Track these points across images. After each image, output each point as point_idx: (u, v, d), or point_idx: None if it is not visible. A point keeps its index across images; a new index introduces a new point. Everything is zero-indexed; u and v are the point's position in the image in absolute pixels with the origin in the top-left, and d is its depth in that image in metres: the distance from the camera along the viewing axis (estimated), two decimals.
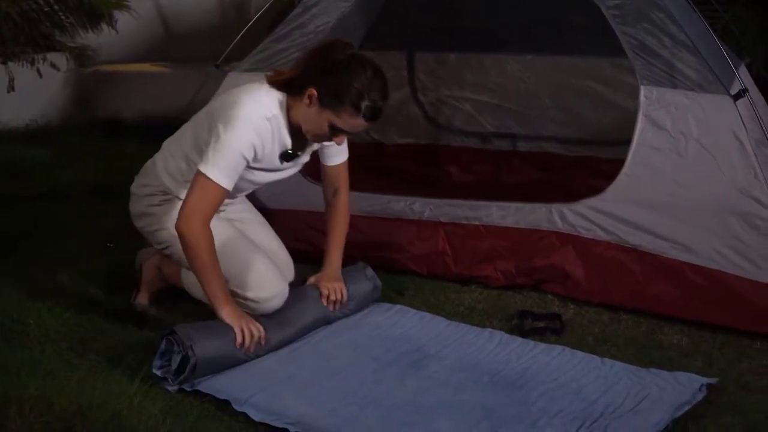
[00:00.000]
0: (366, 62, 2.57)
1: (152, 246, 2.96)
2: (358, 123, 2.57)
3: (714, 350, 2.74)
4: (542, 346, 2.70)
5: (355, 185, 3.38)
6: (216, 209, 2.58)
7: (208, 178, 2.53)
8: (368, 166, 4.26)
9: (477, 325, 2.88)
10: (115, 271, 3.28)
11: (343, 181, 2.94)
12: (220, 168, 2.54)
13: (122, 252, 3.47)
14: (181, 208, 2.56)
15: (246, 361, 2.52)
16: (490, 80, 4.51)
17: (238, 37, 3.72)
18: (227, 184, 2.56)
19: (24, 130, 5.58)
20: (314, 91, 2.55)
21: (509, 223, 3.18)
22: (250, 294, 2.68)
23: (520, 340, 2.74)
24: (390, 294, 3.17)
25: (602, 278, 3.04)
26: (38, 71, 5.67)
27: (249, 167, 2.65)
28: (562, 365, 2.57)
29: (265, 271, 2.73)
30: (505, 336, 2.77)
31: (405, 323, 2.88)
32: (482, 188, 4.16)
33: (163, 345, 2.39)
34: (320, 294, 2.83)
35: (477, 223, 3.22)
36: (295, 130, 2.67)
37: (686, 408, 2.33)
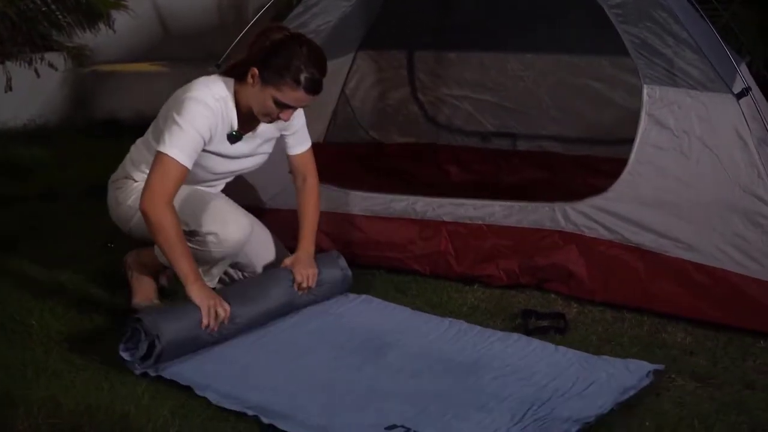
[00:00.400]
0: (303, 40, 2.72)
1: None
2: (299, 96, 2.67)
3: (718, 349, 2.74)
4: (499, 334, 2.77)
5: (355, 184, 3.40)
6: (177, 187, 2.64)
7: (167, 155, 2.61)
8: (368, 166, 4.28)
9: (481, 325, 2.89)
10: (115, 271, 3.28)
11: (310, 168, 3.04)
12: (177, 146, 2.61)
13: (122, 252, 3.47)
14: (144, 188, 2.63)
15: (211, 343, 2.57)
16: (490, 79, 4.50)
17: (239, 37, 3.70)
18: (185, 160, 2.63)
19: (22, 130, 5.56)
20: (256, 71, 2.67)
21: (512, 223, 3.18)
22: (209, 228, 2.75)
23: (478, 328, 2.81)
24: (392, 293, 3.16)
25: (605, 277, 3.04)
26: (36, 71, 5.64)
27: (204, 150, 2.72)
28: (516, 352, 2.65)
29: (224, 207, 2.84)
30: (465, 325, 2.84)
31: (368, 312, 2.95)
32: (482, 188, 4.16)
33: (128, 332, 2.44)
34: (293, 279, 2.88)
35: (480, 222, 3.22)
36: (243, 114, 2.77)
37: (632, 393, 2.39)
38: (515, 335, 2.76)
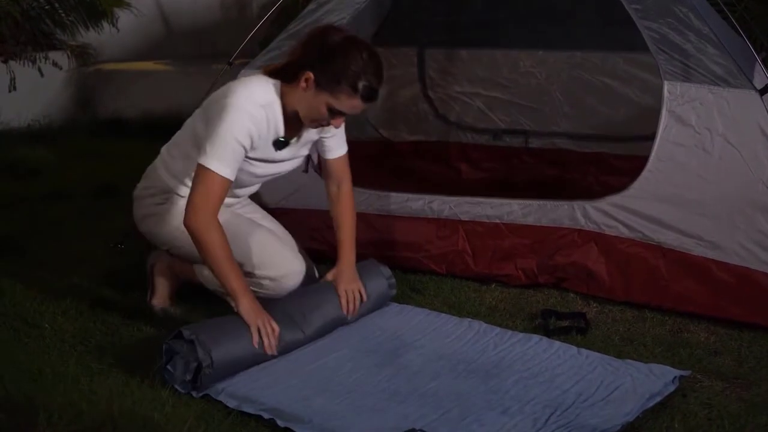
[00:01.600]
0: (361, 44, 2.57)
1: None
2: (355, 104, 2.56)
3: (743, 348, 2.71)
4: (520, 335, 2.72)
5: (364, 183, 3.35)
6: (221, 200, 2.55)
7: (209, 170, 2.51)
8: (377, 164, 4.24)
9: (500, 326, 2.85)
10: (126, 272, 3.24)
11: (345, 174, 2.90)
12: (219, 158, 2.52)
13: (133, 253, 3.43)
14: (187, 204, 2.54)
15: (257, 363, 2.48)
16: (502, 76, 4.47)
17: (250, 35, 3.66)
18: (229, 173, 2.54)
19: (26, 130, 5.53)
20: (311, 74, 2.53)
21: (530, 221, 3.14)
22: (266, 273, 2.68)
23: (498, 330, 2.76)
24: (409, 293, 3.13)
25: (626, 276, 3.00)
26: (39, 70, 5.62)
27: (246, 157, 2.63)
28: (538, 354, 2.60)
29: (280, 250, 2.75)
30: (484, 326, 2.80)
31: (384, 313, 2.90)
32: (494, 185, 4.13)
33: (176, 351, 2.34)
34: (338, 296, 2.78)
35: (497, 221, 3.18)
36: (289, 118, 2.65)
37: (657, 399, 2.33)
38: (536, 337, 2.71)
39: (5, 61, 5.52)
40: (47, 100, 5.72)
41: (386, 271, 2.95)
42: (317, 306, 2.72)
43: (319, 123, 2.64)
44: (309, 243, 3.12)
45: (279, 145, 2.69)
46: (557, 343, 2.66)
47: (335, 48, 2.53)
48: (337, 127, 2.68)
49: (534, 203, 3.15)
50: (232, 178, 2.56)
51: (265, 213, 3.07)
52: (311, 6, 3.40)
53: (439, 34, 4.49)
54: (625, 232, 3.00)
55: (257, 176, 2.79)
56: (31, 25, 5.67)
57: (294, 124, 2.67)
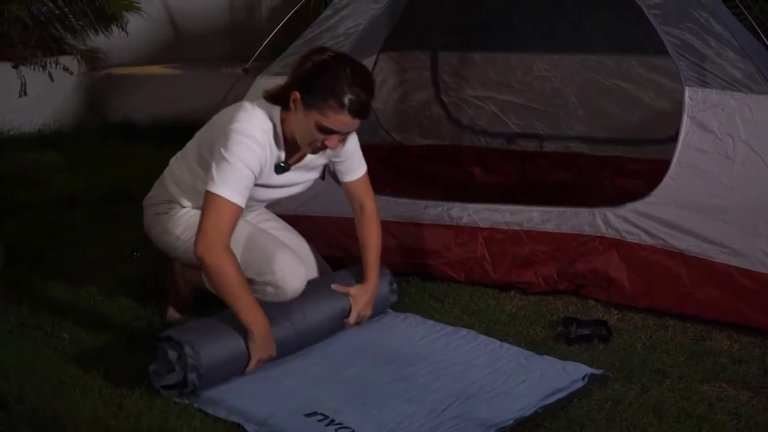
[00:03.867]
0: (346, 60, 2.55)
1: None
2: (344, 120, 2.49)
3: (767, 356, 2.69)
4: (449, 328, 2.81)
5: (377, 187, 3.31)
6: (233, 228, 2.50)
7: (220, 197, 2.47)
8: (390, 167, 4.22)
9: (520, 334, 2.84)
10: (143, 280, 3.22)
11: (367, 194, 2.85)
12: (229, 185, 2.48)
13: (147, 260, 3.42)
14: (198, 232, 2.48)
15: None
16: (515, 80, 4.45)
17: (266, 42, 3.65)
18: (239, 200, 2.50)
19: (36, 135, 5.52)
20: (297, 95, 2.51)
21: (550, 228, 3.13)
22: (267, 279, 2.66)
23: (430, 322, 2.86)
24: (428, 301, 3.11)
25: (647, 283, 2.99)
26: (50, 75, 5.61)
27: None
28: (461, 346, 2.70)
29: (281, 256, 2.69)
30: (419, 319, 2.90)
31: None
32: (507, 189, 4.11)
33: (162, 355, 2.36)
34: (347, 311, 2.77)
35: (516, 227, 3.16)
36: (291, 145, 2.62)
37: (559, 395, 2.39)
38: (464, 330, 2.80)
39: (16, 66, 5.51)
40: (57, 105, 5.71)
41: (393, 286, 2.96)
42: (322, 320, 2.72)
43: (315, 145, 2.57)
44: (326, 250, 3.10)
45: (279, 169, 2.67)
46: (482, 337, 2.75)
47: (320, 65, 2.50)
48: (332, 148, 2.59)
49: (554, 210, 3.14)
50: (243, 205, 2.52)
51: (274, 216, 3.04)
52: (327, 12, 3.38)
53: (452, 37, 4.47)
54: (646, 239, 2.98)
55: (258, 200, 2.78)
56: (41, 29, 5.66)
57: (296, 150, 2.65)
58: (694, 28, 2.90)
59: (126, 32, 5.98)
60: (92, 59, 5.86)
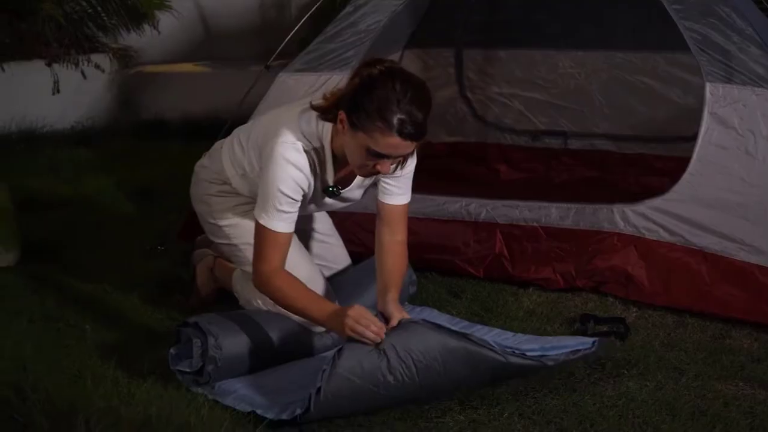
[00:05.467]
0: (397, 73, 2.29)
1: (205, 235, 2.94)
2: (394, 142, 2.25)
3: None
4: (464, 323, 2.84)
5: None
6: (284, 253, 2.45)
7: (269, 230, 2.43)
8: (415, 166, 4.22)
9: (536, 330, 2.83)
10: (165, 274, 3.27)
11: (402, 224, 2.61)
12: (272, 214, 2.41)
13: (172, 255, 3.47)
14: (254, 266, 2.46)
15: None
16: (540, 77, 4.42)
17: (288, 37, 3.67)
18: (285, 228, 2.43)
19: (69, 131, 5.60)
20: (343, 115, 2.32)
21: (568, 224, 3.11)
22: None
23: (447, 316, 2.89)
24: (446, 297, 3.12)
25: (666, 280, 2.96)
26: (82, 73, 5.70)
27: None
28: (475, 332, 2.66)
29: (296, 269, 2.52)
30: (435, 312, 2.93)
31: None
32: (532, 187, 4.10)
33: (195, 345, 2.39)
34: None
35: (535, 224, 3.15)
36: (340, 163, 2.49)
37: (564, 350, 2.45)
38: (478, 325, 2.81)
39: (49, 64, 5.61)
40: (90, 103, 5.80)
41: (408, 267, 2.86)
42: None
43: (366, 170, 2.39)
44: (347, 246, 3.11)
45: (329, 193, 2.57)
46: (496, 330, 2.79)
47: (366, 81, 2.28)
48: (385, 172, 2.37)
49: (572, 206, 3.12)
50: (290, 231, 2.46)
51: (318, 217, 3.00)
52: (348, 9, 3.40)
53: (477, 34, 4.46)
54: (665, 236, 2.96)
55: (311, 212, 2.77)
56: (74, 28, 5.75)
57: (347, 168, 2.50)
58: (716, 24, 2.88)
59: (158, 31, 6.05)
60: (124, 57, 5.94)
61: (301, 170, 2.43)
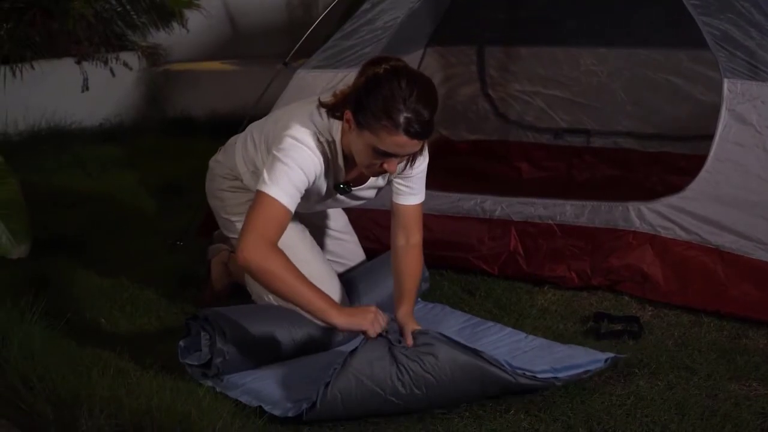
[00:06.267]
0: (402, 71, 2.25)
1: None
2: (400, 141, 2.22)
3: None
4: (476, 319, 2.82)
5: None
6: (280, 233, 2.31)
7: (267, 195, 2.30)
8: (437, 164, 4.19)
9: (549, 328, 2.82)
10: (185, 270, 3.30)
11: (416, 226, 2.58)
12: (279, 185, 2.31)
13: (191, 250, 3.50)
14: (241, 235, 2.29)
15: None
16: (563, 74, 4.39)
17: (306, 35, 3.69)
18: (288, 201, 2.32)
19: (98, 128, 5.68)
20: (349, 114, 2.30)
21: (584, 222, 3.09)
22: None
23: (459, 313, 2.88)
24: (460, 294, 3.11)
25: (682, 279, 2.92)
26: (111, 71, 5.77)
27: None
28: (485, 336, 2.70)
29: (312, 273, 2.42)
30: (448, 309, 2.92)
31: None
32: (554, 185, 4.07)
33: (203, 339, 2.41)
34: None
35: (550, 221, 3.13)
36: (349, 161, 2.46)
37: (576, 371, 2.40)
38: (490, 322, 2.79)
39: (79, 62, 5.70)
40: (118, 100, 5.88)
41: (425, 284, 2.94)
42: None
43: (373, 169, 2.37)
44: (362, 242, 3.12)
45: (340, 190, 2.56)
46: (508, 329, 2.76)
47: (372, 80, 2.25)
48: (391, 171, 2.36)
49: (587, 204, 3.10)
50: (292, 209, 2.35)
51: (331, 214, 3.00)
52: (365, 6, 3.41)
53: (499, 31, 4.44)
54: (681, 235, 2.92)
55: (306, 212, 2.69)
56: (104, 26, 5.83)
57: (358, 168, 2.47)
58: (734, 19, 2.84)
59: (186, 29, 6.11)
60: (153, 55, 6.01)
61: (314, 153, 2.39)
